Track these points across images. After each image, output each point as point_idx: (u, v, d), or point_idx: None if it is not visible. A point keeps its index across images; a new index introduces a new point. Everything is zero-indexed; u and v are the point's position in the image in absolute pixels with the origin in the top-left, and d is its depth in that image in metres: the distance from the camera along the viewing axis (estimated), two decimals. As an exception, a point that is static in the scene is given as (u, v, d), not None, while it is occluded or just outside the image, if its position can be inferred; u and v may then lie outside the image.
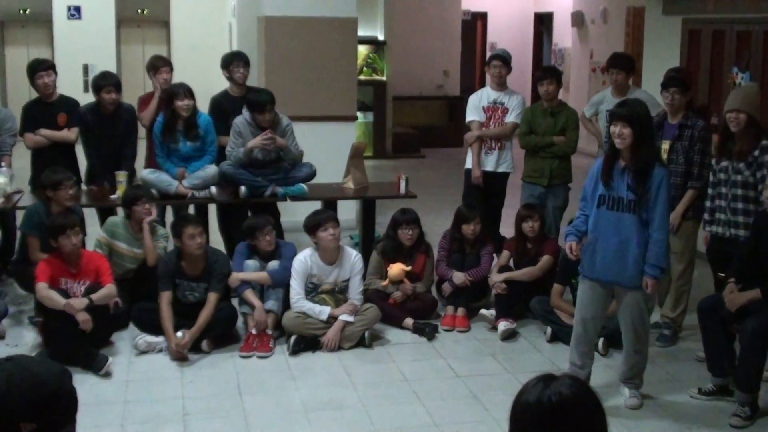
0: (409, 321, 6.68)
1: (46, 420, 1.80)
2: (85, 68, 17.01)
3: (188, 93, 7.34)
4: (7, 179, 7.27)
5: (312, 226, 6.46)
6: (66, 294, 6.08)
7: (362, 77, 14.77)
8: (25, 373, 1.80)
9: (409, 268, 6.86)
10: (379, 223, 8.06)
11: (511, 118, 7.80)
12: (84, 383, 5.66)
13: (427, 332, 6.57)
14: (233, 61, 7.83)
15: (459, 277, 6.89)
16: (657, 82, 6.88)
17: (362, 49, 14.79)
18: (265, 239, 6.56)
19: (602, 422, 2.09)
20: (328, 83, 9.34)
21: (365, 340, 6.34)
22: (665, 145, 6.35)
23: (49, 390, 1.81)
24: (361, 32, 10.17)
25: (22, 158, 7.95)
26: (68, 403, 1.87)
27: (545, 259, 6.90)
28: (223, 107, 7.75)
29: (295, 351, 6.20)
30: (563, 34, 17.60)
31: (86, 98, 7.95)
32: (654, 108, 7.58)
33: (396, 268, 6.83)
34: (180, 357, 6.05)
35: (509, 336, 6.56)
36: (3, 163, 7.53)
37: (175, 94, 7.35)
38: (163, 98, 7.64)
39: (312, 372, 5.97)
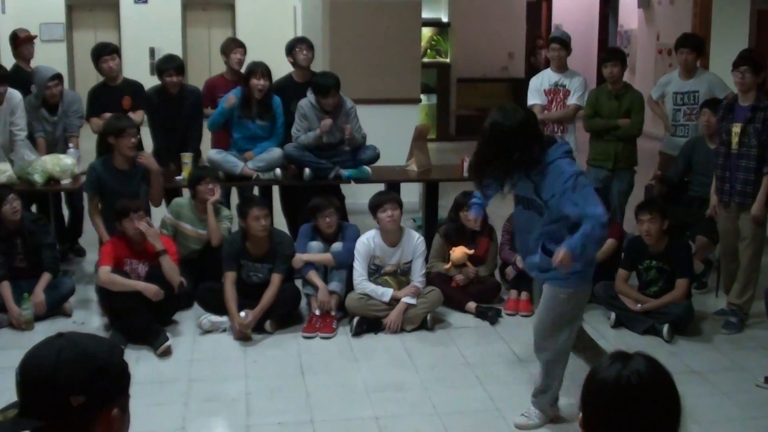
0: (471, 304, 6.66)
1: (95, 393, 1.82)
2: (152, 51, 17.25)
3: (266, 73, 7.37)
4: (74, 160, 7.40)
5: (373, 207, 6.48)
6: (129, 276, 6.19)
7: (426, 59, 14.72)
8: (74, 348, 1.83)
9: (471, 252, 6.84)
10: (442, 206, 8.03)
11: (572, 100, 7.71)
12: (148, 361, 5.76)
13: (490, 316, 6.55)
14: (297, 45, 7.84)
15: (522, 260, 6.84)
16: (724, 64, 6.76)
17: (426, 31, 14.74)
18: (325, 221, 6.57)
19: (677, 401, 2.05)
20: (392, 66, 9.33)
21: (427, 322, 6.34)
22: (736, 128, 6.21)
23: (98, 364, 1.83)
24: (425, 14, 10.14)
25: (88, 141, 8.07)
26: (118, 377, 1.89)
27: (609, 243, 6.79)
28: (285, 92, 7.79)
29: (358, 332, 6.23)
30: (629, 16, 17.34)
31: (152, 81, 8.04)
32: (722, 91, 7.47)
33: (459, 252, 6.81)
34: (243, 337, 6.12)
35: (572, 321, 6.51)
36: (71, 145, 7.67)
37: (252, 72, 7.39)
38: (233, 78, 7.69)
39: (374, 353, 5.99)
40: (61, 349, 1.81)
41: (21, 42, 8.29)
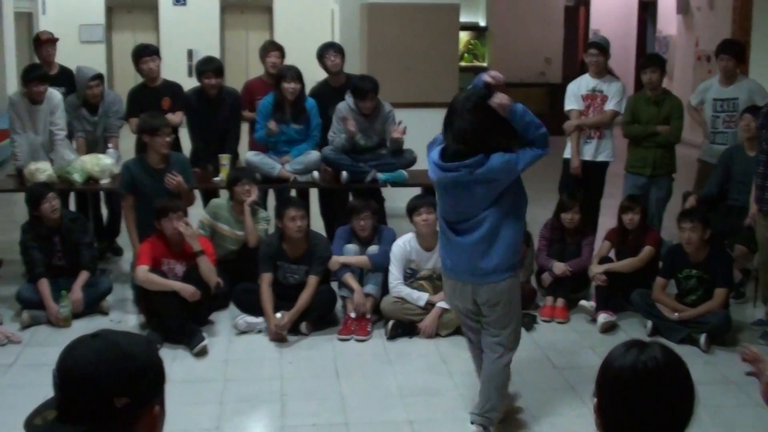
0: (507, 310, 6.63)
1: (137, 393, 1.82)
2: (189, 53, 17.37)
3: (296, 76, 7.39)
4: (113, 160, 7.46)
5: (409, 210, 6.48)
6: (166, 275, 6.23)
7: (463, 63, 14.68)
8: (113, 348, 1.82)
9: (508, 257, 6.80)
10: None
11: (610, 105, 7.64)
12: (184, 360, 5.80)
13: (526, 322, 6.49)
14: (326, 51, 7.87)
15: (559, 267, 6.82)
16: (764, 71, 6.69)
17: (463, 35, 14.71)
18: (359, 224, 6.58)
19: (691, 388, 2.10)
20: (430, 70, 9.31)
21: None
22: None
23: (138, 363, 1.83)
24: (463, 18, 10.12)
25: (127, 141, 8.15)
26: (157, 375, 1.89)
27: (646, 251, 6.77)
28: (321, 97, 7.81)
29: (393, 336, 6.23)
30: (668, 22, 17.22)
31: (190, 83, 8.11)
32: (762, 98, 7.41)
33: (495, 257, 6.78)
34: (279, 338, 6.14)
35: (609, 329, 6.46)
36: (110, 145, 7.73)
37: (282, 76, 7.43)
38: (271, 81, 7.73)
39: (409, 357, 5.99)
40: (100, 350, 1.80)
41: (42, 43, 8.38)
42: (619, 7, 18.64)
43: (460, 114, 4.43)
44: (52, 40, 8.53)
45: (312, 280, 6.30)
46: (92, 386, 1.77)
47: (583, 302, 6.74)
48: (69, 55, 15.39)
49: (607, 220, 7.85)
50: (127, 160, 7.03)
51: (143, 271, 6.15)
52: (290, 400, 5.26)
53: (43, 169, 7.21)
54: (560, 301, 6.76)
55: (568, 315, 6.72)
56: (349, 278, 6.45)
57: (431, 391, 5.43)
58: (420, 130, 8.46)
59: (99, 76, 7.74)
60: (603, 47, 7.69)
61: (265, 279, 6.31)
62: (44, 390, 5.39)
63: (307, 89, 7.89)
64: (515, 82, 16.60)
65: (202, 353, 5.91)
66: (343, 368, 5.74)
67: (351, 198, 7.43)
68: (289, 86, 7.36)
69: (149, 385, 1.85)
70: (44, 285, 6.47)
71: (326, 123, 7.55)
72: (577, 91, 7.76)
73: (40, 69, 7.78)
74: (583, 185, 7.66)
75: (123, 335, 1.88)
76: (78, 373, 1.77)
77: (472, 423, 4.75)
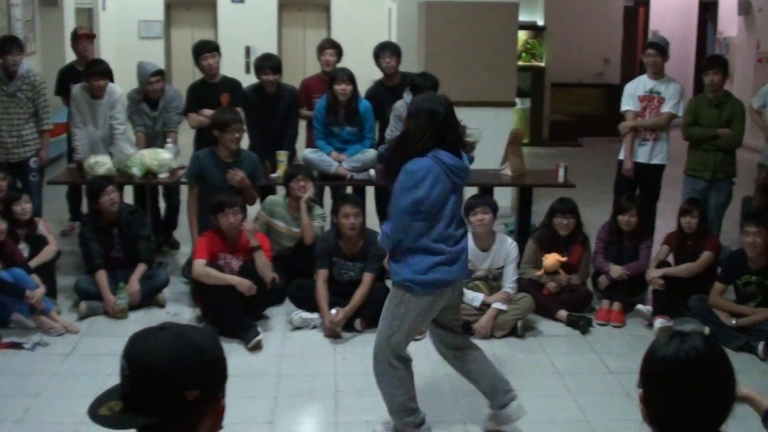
0: (562, 313, 6.58)
1: (207, 386, 1.83)
2: (247, 50, 17.47)
3: (347, 78, 7.40)
4: (172, 155, 7.53)
5: (465, 210, 6.44)
6: (222, 269, 6.26)
7: (520, 63, 14.59)
8: (184, 341, 1.82)
9: (564, 259, 6.76)
10: (534, 212, 7.97)
11: (667, 107, 7.55)
12: (239, 355, 5.83)
13: (581, 325, 6.46)
14: (381, 53, 7.87)
15: (616, 270, 6.75)
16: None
17: (521, 35, 14.62)
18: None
19: (733, 378, 2.13)
20: (488, 69, 9.27)
21: (517, 329, 6.29)
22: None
23: (209, 357, 1.84)
24: (521, 17, 10.05)
25: (186, 136, 8.22)
26: (223, 369, 1.90)
27: (705, 256, 6.67)
28: (376, 97, 7.81)
29: (447, 336, 6.20)
30: (729, 23, 16.96)
31: (247, 80, 8.16)
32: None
33: (551, 258, 6.74)
34: (333, 334, 6.15)
35: (665, 333, 6.38)
36: (169, 140, 7.81)
37: (334, 78, 7.45)
38: (327, 79, 7.75)
39: (463, 358, 5.95)
40: (171, 343, 1.80)
41: (78, 38, 8.50)
42: (679, 8, 18.40)
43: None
44: (89, 36, 8.66)
45: (367, 278, 6.31)
46: (165, 379, 1.77)
47: (639, 306, 6.67)
48: (128, 51, 15.67)
49: (664, 224, 7.76)
50: (198, 150, 7.09)
51: (200, 264, 6.19)
52: (344, 397, 5.27)
53: (102, 163, 7.30)
54: (616, 305, 6.69)
55: (624, 319, 6.64)
56: (404, 277, 6.43)
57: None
58: (478, 129, 8.43)
59: (160, 72, 7.83)
60: (662, 48, 7.60)
61: (321, 275, 6.33)
62: (101, 379, 5.48)
63: (364, 88, 7.90)
64: (572, 82, 16.54)
65: (257, 348, 5.94)
66: (397, 367, 5.71)
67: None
68: (339, 87, 7.38)
69: (217, 378, 1.86)
70: (102, 277, 6.55)
71: (381, 123, 7.55)
72: (634, 92, 7.68)
73: (102, 64, 7.88)
74: (637, 188, 7.59)
75: (190, 328, 1.88)
76: (150, 366, 1.77)
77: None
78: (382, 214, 7.99)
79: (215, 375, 1.85)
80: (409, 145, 4.38)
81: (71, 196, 8.63)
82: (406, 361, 4.63)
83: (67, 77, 8.43)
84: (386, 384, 4.64)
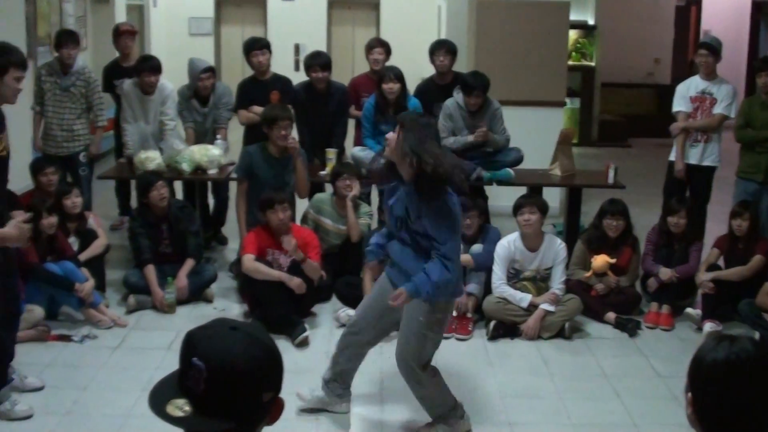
0: (611, 315, 6.52)
1: (278, 386, 1.85)
2: (297, 48, 17.50)
3: (395, 77, 7.38)
4: (221, 151, 7.57)
5: (514, 209, 6.42)
6: (271, 265, 6.28)
7: (570, 62, 14.48)
8: (258, 343, 1.82)
9: (613, 261, 6.69)
10: (583, 213, 7.90)
11: (719, 109, 7.44)
12: (285, 351, 5.76)
13: (629, 328, 6.39)
14: (436, 50, 7.84)
15: (666, 272, 6.67)
16: None
17: (572, 34, 14.50)
18: (465, 222, 6.54)
19: None
20: (538, 68, 9.21)
21: (565, 331, 6.24)
22: None
23: (278, 357, 1.85)
24: (572, 16, 9.97)
25: (235, 132, 8.26)
26: (283, 368, 1.91)
27: (756, 260, 6.57)
28: (427, 95, 7.79)
29: (494, 336, 6.17)
30: (783, 24, 16.72)
31: (296, 77, 8.17)
32: None
33: (600, 260, 6.67)
34: (379, 333, 6.13)
35: (715, 338, 6.29)
36: (219, 136, 7.85)
37: (383, 77, 7.44)
38: (375, 78, 7.75)
39: (509, 359, 5.93)
40: (247, 345, 1.79)
41: (120, 34, 8.57)
42: (731, 8, 18.15)
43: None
44: (131, 32, 8.72)
45: (415, 277, 6.28)
46: (248, 382, 1.77)
47: (689, 310, 6.59)
48: (178, 48, 15.80)
49: (714, 227, 7.66)
50: (249, 146, 7.13)
51: (250, 259, 6.22)
52: (389, 395, 5.26)
53: (152, 158, 7.36)
54: (665, 308, 6.61)
55: (673, 322, 6.56)
56: (453, 276, 6.42)
57: (531, 394, 5.37)
58: (528, 129, 8.42)
59: (210, 69, 7.87)
60: (714, 48, 7.49)
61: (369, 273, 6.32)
62: (148, 372, 5.52)
63: (412, 86, 7.87)
64: (623, 82, 16.36)
65: (304, 344, 5.96)
66: (443, 366, 5.65)
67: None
68: (387, 86, 7.36)
69: (282, 377, 1.88)
70: (151, 271, 6.61)
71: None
72: (685, 93, 7.59)
73: (153, 59, 7.94)
74: (687, 189, 7.49)
75: (254, 327, 1.88)
76: (231, 369, 1.76)
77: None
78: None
79: (282, 374, 1.87)
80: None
81: (120, 192, 8.71)
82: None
83: (111, 74, 8.53)
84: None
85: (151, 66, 7.76)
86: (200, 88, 7.77)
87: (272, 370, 1.82)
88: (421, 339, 4.54)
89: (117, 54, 8.83)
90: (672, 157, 7.66)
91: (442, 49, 7.82)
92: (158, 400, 1.79)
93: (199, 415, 1.76)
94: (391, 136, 4.43)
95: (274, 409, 1.85)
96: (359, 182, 6.97)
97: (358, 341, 4.90)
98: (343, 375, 5.00)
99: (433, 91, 7.83)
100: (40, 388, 5.20)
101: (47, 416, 4.92)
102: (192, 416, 1.75)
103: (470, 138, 7.23)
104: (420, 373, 4.62)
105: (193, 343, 1.80)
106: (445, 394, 4.78)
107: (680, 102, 7.60)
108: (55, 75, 7.71)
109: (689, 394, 2.08)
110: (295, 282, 6.15)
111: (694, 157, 7.53)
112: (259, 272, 6.18)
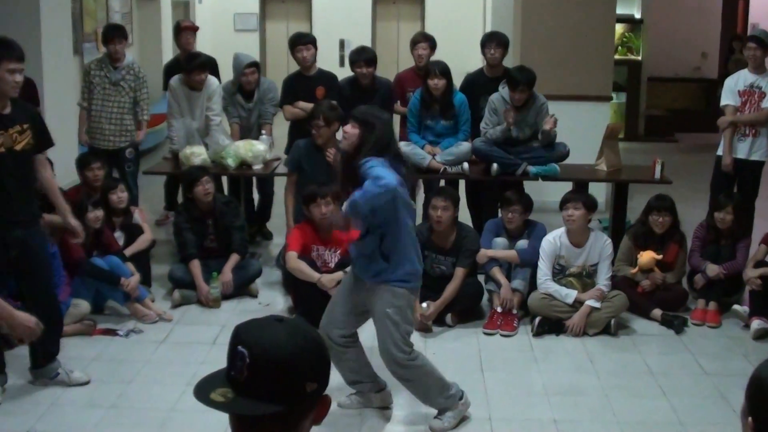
0: (657, 312, 6.45)
1: (323, 379, 1.85)
2: (341, 43, 17.53)
3: (440, 72, 7.35)
4: (266, 146, 7.59)
5: (560, 205, 6.38)
6: (315, 262, 6.27)
7: (617, 56, 14.35)
8: (302, 334, 1.83)
9: (660, 257, 6.62)
10: (629, 208, 7.82)
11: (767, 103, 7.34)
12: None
13: (676, 325, 6.32)
14: (487, 43, 7.79)
15: (713, 269, 6.59)
16: None
17: (618, 28, 14.38)
18: (507, 216, 6.54)
19: None
20: (584, 62, 9.14)
21: (611, 327, 6.19)
22: None
23: (325, 351, 1.86)
24: (618, 10, 9.89)
25: (281, 128, 8.29)
26: (328, 363, 1.91)
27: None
28: (475, 86, 7.75)
29: (539, 332, 6.14)
30: (834, 16, 16.43)
31: (341, 73, 8.17)
32: None
33: (647, 256, 6.61)
34: (424, 328, 6.13)
35: (763, 336, 6.19)
36: (264, 131, 7.87)
37: (428, 71, 7.42)
38: (419, 74, 7.73)
39: (555, 355, 5.90)
40: (292, 335, 1.81)
41: (182, 30, 8.63)
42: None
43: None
44: (192, 28, 8.77)
45: (459, 272, 6.26)
46: (290, 369, 1.78)
47: (736, 307, 6.50)
48: (223, 44, 15.87)
49: (763, 223, 7.55)
50: (299, 139, 7.16)
51: (293, 257, 6.22)
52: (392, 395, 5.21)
53: (198, 153, 7.41)
54: (712, 305, 6.53)
55: (720, 319, 6.48)
56: (497, 272, 6.40)
57: (577, 391, 5.33)
58: (574, 124, 8.35)
59: (255, 64, 7.89)
60: (762, 41, 7.38)
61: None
62: (193, 367, 5.55)
63: (458, 81, 7.84)
64: (669, 76, 16.17)
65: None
66: (488, 362, 5.69)
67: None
68: (432, 82, 7.34)
69: (329, 371, 1.88)
70: (196, 266, 6.65)
71: (479, 113, 7.48)
72: (734, 87, 7.49)
73: (201, 57, 7.98)
74: (735, 185, 7.40)
75: (301, 321, 1.91)
76: (274, 355, 1.78)
77: None
78: (475, 208, 7.95)
79: (328, 368, 1.88)
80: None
81: (169, 186, 8.76)
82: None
83: (173, 71, 8.47)
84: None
85: (199, 63, 7.80)
86: (244, 83, 7.80)
87: (316, 360, 1.82)
88: (395, 325, 4.60)
89: (163, 50, 8.89)
90: (720, 151, 7.56)
91: (494, 41, 7.77)
92: (204, 389, 1.81)
93: (241, 398, 1.77)
94: (349, 128, 4.56)
95: (319, 406, 1.86)
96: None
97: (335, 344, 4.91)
98: (358, 376, 5.03)
99: (482, 83, 7.78)
100: (86, 383, 5.26)
101: (92, 409, 4.97)
102: (234, 399, 1.77)
103: (505, 125, 7.18)
104: (406, 359, 4.67)
105: (238, 334, 1.83)
106: (437, 377, 4.80)
107: (728, 96, 7.50)
108: (104, 69, 7.80)
109: (749, 419, 1.92)
110: (326, 282, 6.09)
111: (742, 151, 7.43)
112: (299, 272, 6.19)
